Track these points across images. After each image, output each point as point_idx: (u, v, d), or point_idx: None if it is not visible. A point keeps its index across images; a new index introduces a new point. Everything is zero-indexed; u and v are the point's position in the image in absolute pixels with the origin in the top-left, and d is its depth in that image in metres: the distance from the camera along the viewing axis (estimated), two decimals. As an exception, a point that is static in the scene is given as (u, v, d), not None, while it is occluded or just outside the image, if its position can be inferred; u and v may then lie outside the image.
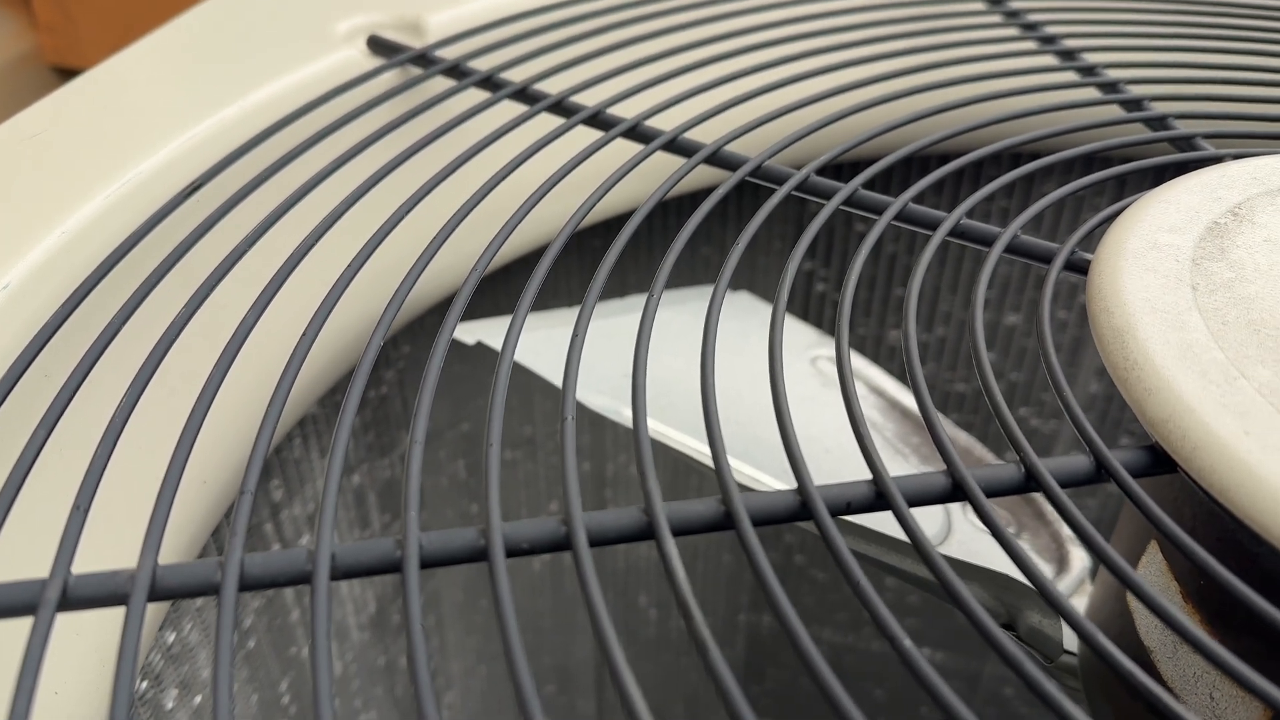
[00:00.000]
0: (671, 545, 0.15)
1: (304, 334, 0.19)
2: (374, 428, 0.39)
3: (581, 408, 0.29)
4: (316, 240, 0.21)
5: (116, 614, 0.21)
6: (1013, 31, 0.32)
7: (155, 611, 0.26)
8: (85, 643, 0.20)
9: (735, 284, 0.43)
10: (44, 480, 0.18)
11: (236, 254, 0.21)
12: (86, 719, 0.19)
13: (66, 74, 0.64)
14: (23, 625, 0.15)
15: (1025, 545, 0.31)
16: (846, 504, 0.16)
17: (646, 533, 0.16)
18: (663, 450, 0.30)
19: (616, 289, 0.44)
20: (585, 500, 0.55)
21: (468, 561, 0.15)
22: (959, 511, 0.31)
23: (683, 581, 0.14)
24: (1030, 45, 0.31)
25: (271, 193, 0.23)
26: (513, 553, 0.15)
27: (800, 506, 0.16)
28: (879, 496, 0.16)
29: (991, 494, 0.16)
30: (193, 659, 0.30)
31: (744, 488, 0.18)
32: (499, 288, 0.39)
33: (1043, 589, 0.15)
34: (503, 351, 0.18)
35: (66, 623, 0.20)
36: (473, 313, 0.32)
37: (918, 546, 0.15)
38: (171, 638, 0.29)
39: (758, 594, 0.62)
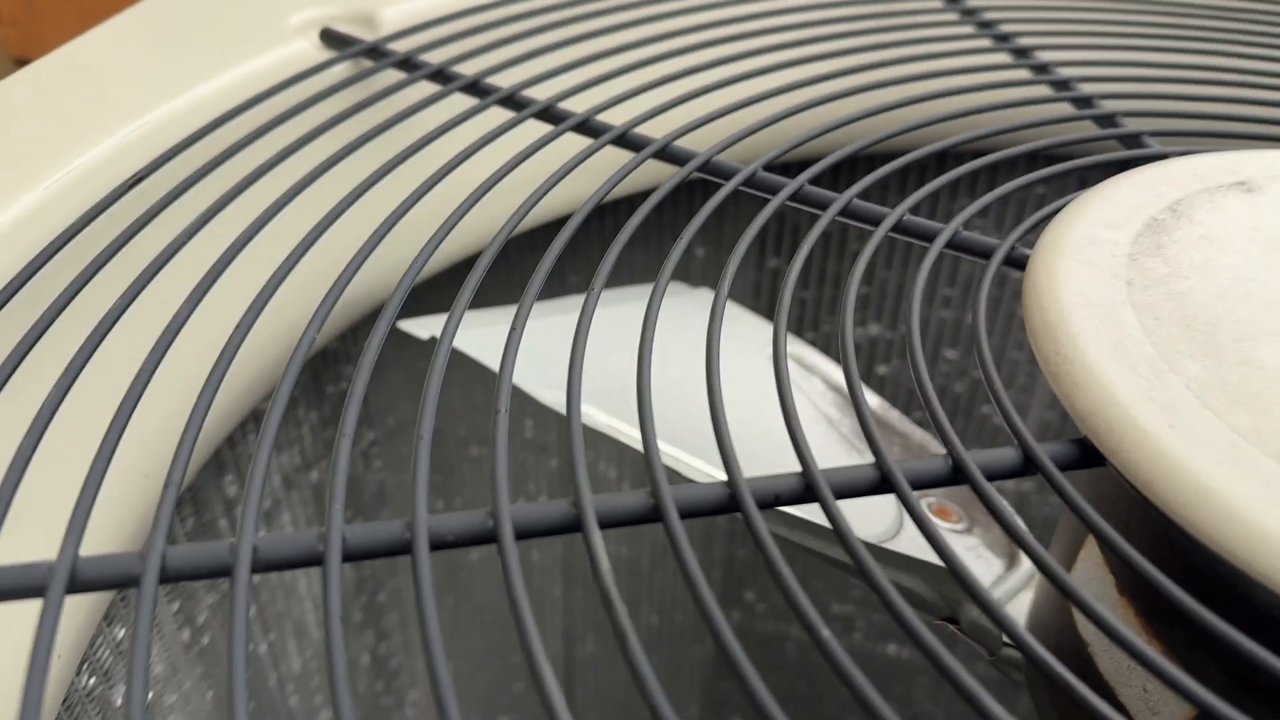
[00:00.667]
0: (597, 537, 0.15)
1: (238, 325, 0.19)
2: (333, 423, 0.39)
3: (543, 405, 0.29)
4: (257, 231, 0.21)
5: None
6: (968, 29, 0.32)
7: (98, 606, 0.25)
8: (12, 636, 0.20)
9: (694, 282, 0.43)
10: None
11: (175, 246, 0.21)
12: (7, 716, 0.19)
13: (31, 67, 0.63)
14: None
15: (977, 540, 0.31)
16: (775, 496, 0.16)
17: (574, 525, 0.16)
18: (630, 447, 0.30)
19: (580, 286, 0.44)
20: (556, 496, 0.55)
21: (392, 555, 0.15)
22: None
23: (606, 574, 0.14)
24: (985, 43, 0.31)
25: (216, 185, 0.23)
26: (437, 545, 0.15)
27: (729, 499, 0.16)
28: (807, 489, 0.16)
29: (918, 486, 0.16)
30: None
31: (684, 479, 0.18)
32: (456, 283, 0.39)
33: (966, 583, 0.15)
34: (440, 340, 0.18)
35: None
36: (434, 308, 0.32)
37: (839, 535, 0.15)
38: (121, 633, 0.29)
39: (727, 590, 0.62)
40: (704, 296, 0.39)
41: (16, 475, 0.16)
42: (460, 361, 0.46)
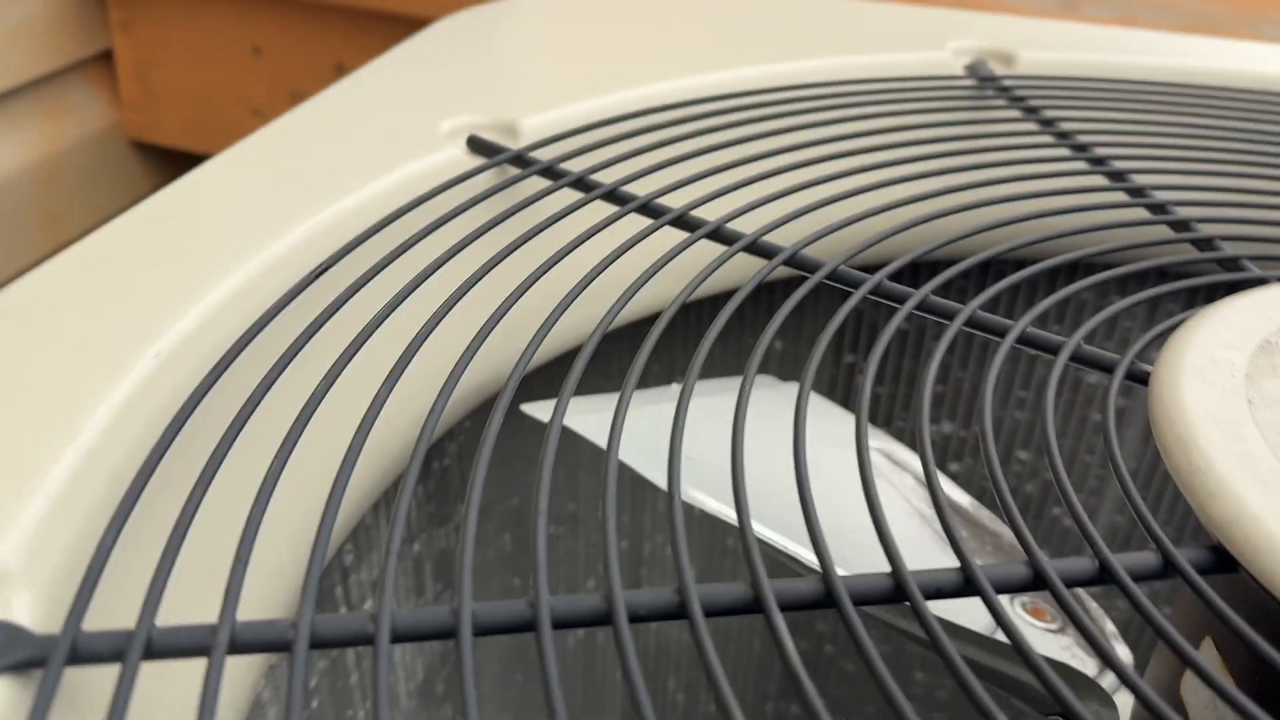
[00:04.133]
0: (779, 618, 0.17)
1: (426, 419, 0.21)
2: (435, 498, 0.41)
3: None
4: (435, 326, 0.23)
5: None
6: (1064, 152, 0.34)
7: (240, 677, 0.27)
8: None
9: (781, 373, 0.45)
10: (194, 534, 0.19)
11: (365, 334, 0.23)
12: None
13: (144, 148, 0.67)
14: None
15: (1071, 640, 0.32)
16: (937, 589, 0.17)
17: (754, 607, 0.17)
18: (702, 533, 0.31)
19: (661, 377, 0.46)
20: (622, 578, 0.56)
21: (517, 631, 0.17)
22: (1007, 604, 0.32)
23: (712, 659, 0.16)
24: (1081, 165, 0.33)
25: (390, 278, 0.25)
26: (559, 625, 0.17)
27: (894, 589, 0.17)
28: (967, 583, 0.17)
29: (1070, 585, 0.17)
30: (263, 716, 0.31)
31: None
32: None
33: (1116, 668, 0.16)
34: (551, 422, 0.20)
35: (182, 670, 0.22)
36: (549, 392, 0.34)
37: (1010, 635, 0.16)
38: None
39: (786, 683, 0.62)
40: (792, 390, 0.40)
41: (250, 541, 0.18)
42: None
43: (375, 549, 0.37)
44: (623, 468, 0.30)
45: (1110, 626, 0.32)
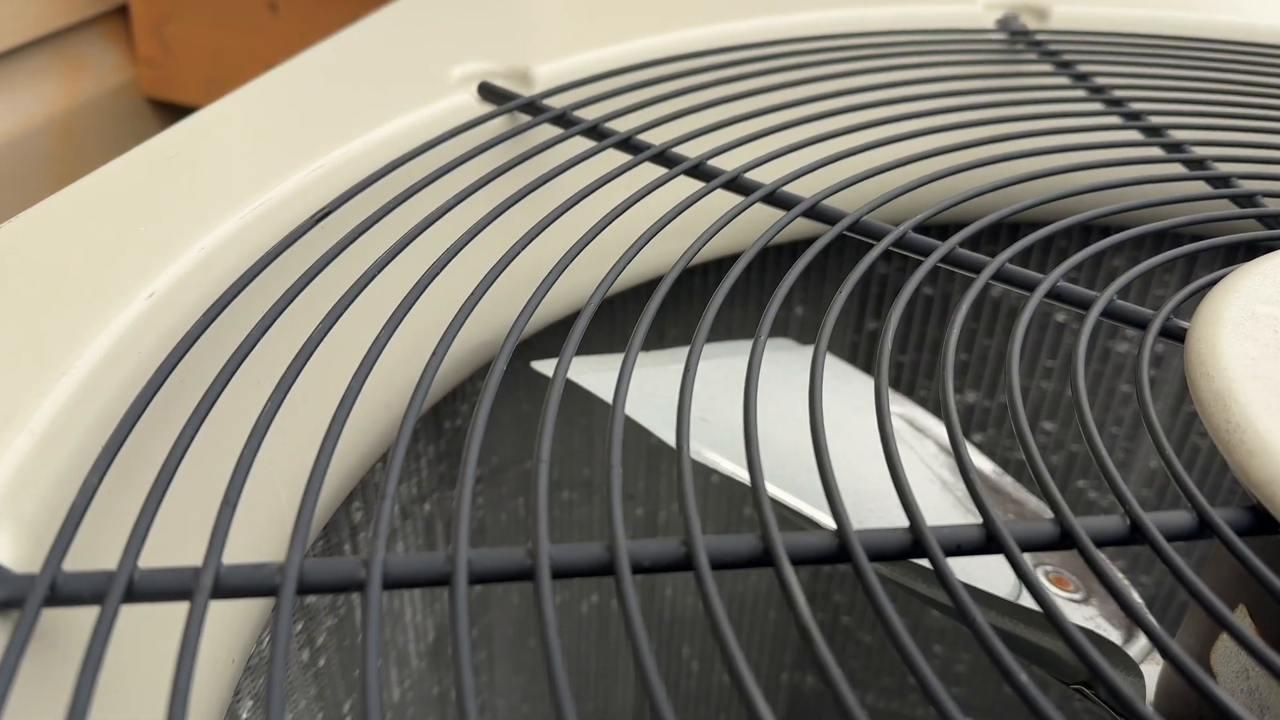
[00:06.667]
0: (791, 571, 0.16)
1: (427, 364, 0.20)
2: (448, 458, 0.40)
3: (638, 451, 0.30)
4: (438, 272, 0.23)
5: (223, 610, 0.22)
6: (1098, 106, 0.33)
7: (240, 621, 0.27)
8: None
9: (802, 339, 0.44)
10: (186, 479, 0.18)
11: (364, 280, 0.22)
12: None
13: (159, 105, 0.67)
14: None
15: (1094, 610, 0.31)
16: (957, 545, 0.16)
17: (763, 559, 0.16)
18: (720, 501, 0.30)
19: (680, 339, 0.45)
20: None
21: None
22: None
23: (718, 610, 0.15)
24: (1115, 120, 0.32)
25: (395, 225, 0.24)
26: (558, 574, 0.16)
27: (912, 545, 0.16)
28: (990, 540, 0.16)
29: (1099, 544, 0.17)
30: (269, 672, 0.31)
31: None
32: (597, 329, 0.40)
33: (1148, 629, 0.15)
34: (556, 369, 0.19)
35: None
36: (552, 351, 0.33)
37: (1036, 596, 0.15)
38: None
39: (802, 654, 0.61)
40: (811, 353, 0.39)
41: (240, 483, 0.17)
42: (561, 404, 0.47)
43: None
44: (639, 433, 0.29)
45: (1137, 598, 0.31)
